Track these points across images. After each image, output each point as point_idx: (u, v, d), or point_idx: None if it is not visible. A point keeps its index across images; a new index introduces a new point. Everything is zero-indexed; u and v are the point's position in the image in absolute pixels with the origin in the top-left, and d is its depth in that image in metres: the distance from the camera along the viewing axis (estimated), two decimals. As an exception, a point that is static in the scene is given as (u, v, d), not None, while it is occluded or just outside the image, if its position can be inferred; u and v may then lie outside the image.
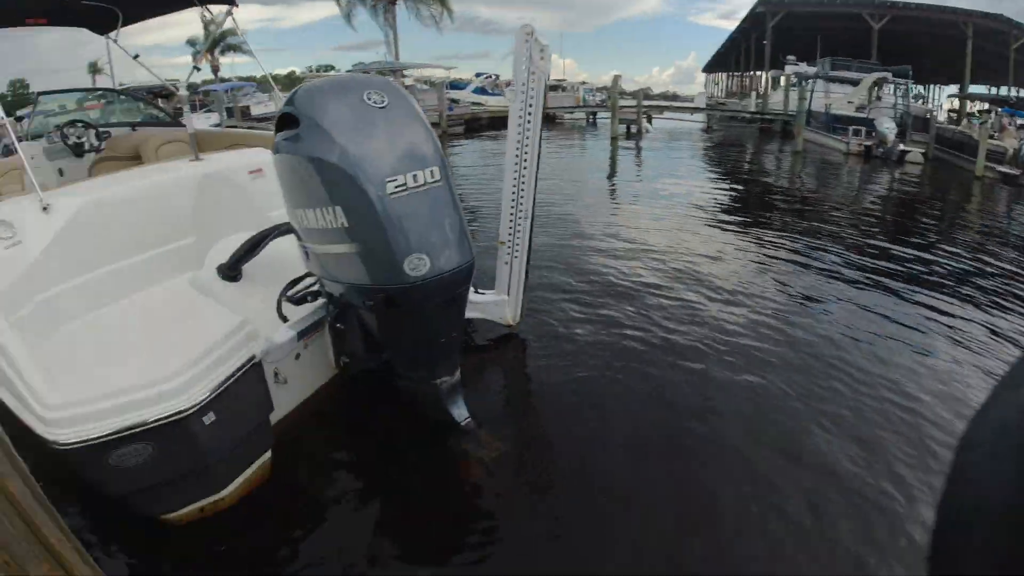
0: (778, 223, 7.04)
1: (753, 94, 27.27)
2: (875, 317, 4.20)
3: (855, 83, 18.90)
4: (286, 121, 2.20)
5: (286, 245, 2.80)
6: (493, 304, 3.60)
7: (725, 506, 2.39)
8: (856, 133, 15.73)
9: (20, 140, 3.19)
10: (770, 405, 3.04)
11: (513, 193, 3.25)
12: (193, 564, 2.25)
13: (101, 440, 1.92)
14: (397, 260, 2.08)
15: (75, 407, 1.95)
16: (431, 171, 2.13)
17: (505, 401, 3.16)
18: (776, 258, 5.58)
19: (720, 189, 9.86)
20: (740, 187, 10.29)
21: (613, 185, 10.72)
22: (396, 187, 2.05)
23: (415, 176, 2.09)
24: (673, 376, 3.26)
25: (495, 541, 2.30)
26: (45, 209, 2.66)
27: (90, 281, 2.73)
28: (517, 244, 3.34)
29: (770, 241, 6.18)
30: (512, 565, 2.19)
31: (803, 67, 19.32)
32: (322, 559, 2.24)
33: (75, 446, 1.91)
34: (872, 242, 6.59)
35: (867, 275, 5.21)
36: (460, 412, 2.78)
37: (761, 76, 28.43)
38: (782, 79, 22.62)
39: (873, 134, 15.31)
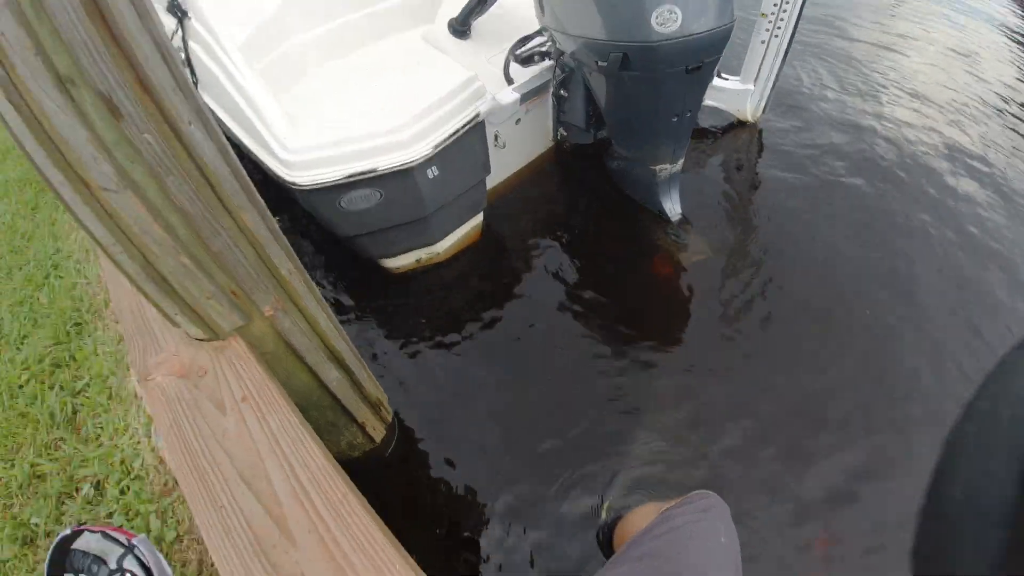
0: None
1: None
2: None
3: None
4: None
5: (518, 2, 2.65)
6: (734, 93, 3.12)
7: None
8: None
9: None
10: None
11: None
12: (405, 308, 2.50)
13: (335, 184, 2.05)
14: (644, 10, 1.80)
15: (314, 151, 2.06)
16: None
17: (724, 203, 2.84)
18: None
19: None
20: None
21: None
22: (657, -84, 1.68)
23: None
24: (937, 218, 2.67)
25: (671, 346, 2.25)
26: None
27: (329, 31, 2.76)
28: (781, 20, 2.70)
29: None
30: (683, 372, 2.16)
31: None
32: (515, 322, 2.38)
33: (313, 187, 2.06)
34: None
35: None
36: (673, 207, 2.62)
37: None
38: None
39: None
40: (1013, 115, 3.48)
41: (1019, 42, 4.55)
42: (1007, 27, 4.78)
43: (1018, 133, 3.31)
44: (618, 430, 1.97)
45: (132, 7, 0.80)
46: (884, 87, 3.70)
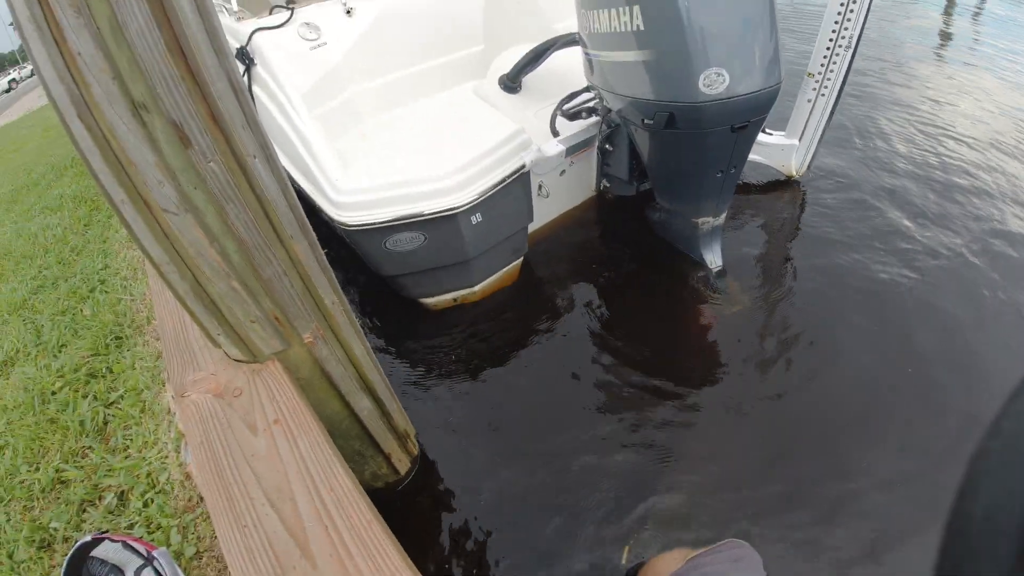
0: None
1: None
2: None
3: None
4: None
5: (567, 61, 2.73)
6: (779, 148, 3.12)
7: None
8: None
9: None
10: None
11: (839, 11, 2.54)
12: (440, 343, 2.53)
13: (382, 225, 2.13)
14: (692, 73, 1.84)
15: (362, 194, 2.16)
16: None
17: (764, 257, 2.80)
18: None
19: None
20: None
21: (951, 24, 7.01)
22: (706, -16, 1.73)
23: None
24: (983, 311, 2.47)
25: (704, 392, 2.18)
26: (348, 13, 2.84)
27: (386, 84, 2.93)
28: (828, 79, 2.72)
29: None
30: (715, 418, 2.09)
31: None
32: (546, 363, 2.38)
33: (360, 227, 2.15)
34: None
35: None
36: (714, 258, 2.61)
37: None
38: None
39: None
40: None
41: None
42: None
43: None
44: (644, 475, 1.92)
45: (211, 47, 0.87)
46: (929, 145, 3.65)
